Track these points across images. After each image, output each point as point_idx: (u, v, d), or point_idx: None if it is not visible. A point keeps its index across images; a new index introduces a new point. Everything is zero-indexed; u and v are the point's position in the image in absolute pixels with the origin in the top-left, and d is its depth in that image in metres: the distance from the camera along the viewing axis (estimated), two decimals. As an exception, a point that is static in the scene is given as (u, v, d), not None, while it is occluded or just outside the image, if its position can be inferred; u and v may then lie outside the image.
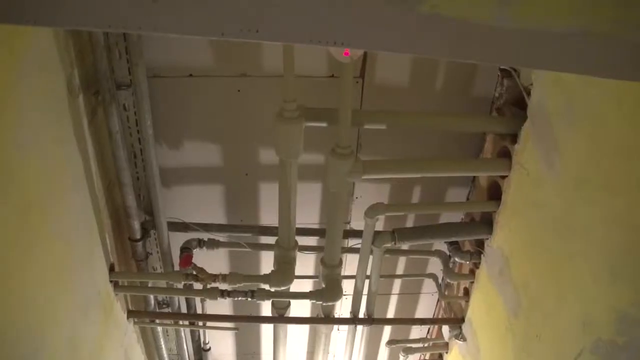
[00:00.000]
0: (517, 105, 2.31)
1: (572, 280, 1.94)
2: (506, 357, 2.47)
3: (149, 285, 2.70)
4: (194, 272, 2.42)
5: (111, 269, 2.42)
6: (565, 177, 1.93)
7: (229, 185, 2.78)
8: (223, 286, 2.47)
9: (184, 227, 2.69)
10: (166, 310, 3.03)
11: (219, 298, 2.47)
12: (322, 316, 2.78)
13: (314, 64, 2.36)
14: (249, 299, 2.46)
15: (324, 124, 2.08)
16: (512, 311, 2.39)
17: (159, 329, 3.00)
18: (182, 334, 3.15)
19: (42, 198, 1.74)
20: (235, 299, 2.48)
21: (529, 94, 2.11)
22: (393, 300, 3.46)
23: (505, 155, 2.32)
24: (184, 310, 3.07)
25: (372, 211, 2.35)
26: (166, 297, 2.98)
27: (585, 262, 1.86)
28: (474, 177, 2.79)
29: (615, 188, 1.68)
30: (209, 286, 2.48)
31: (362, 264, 2.64)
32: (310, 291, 2.57)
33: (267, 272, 2.47)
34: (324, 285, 2.53)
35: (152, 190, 2.46)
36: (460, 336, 2.98)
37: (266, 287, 2.47)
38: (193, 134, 2.57)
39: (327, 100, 2.06)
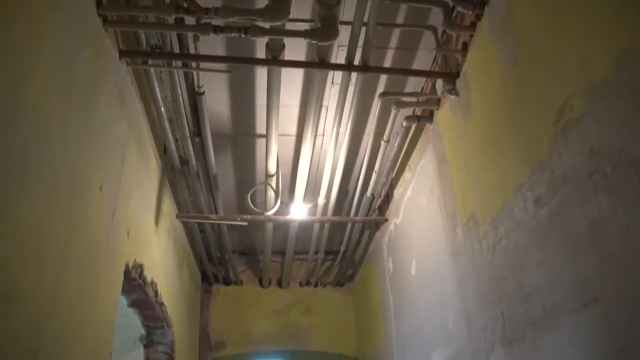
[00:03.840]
0: None
1: (574, 23, 1.92)
2: (497, 110, 2.51)
3: (140, 21, 2.60)
4: (185, 5, 2.31)
5: (99, 2, 2.30)
6: None
7: None
8: (216, 22, 2.39)
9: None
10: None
11: (211, 34, 2.40)
12: (317, 61, 2.75)
13: None
14: (243, 36, 2.39)
15: None
16: (509, 62, 2.38)
17: (152, 72, 2.96)
18: (176, 77, 3.11)
19: None
20: (229, 35, 2.40)
21: None
22: (389, 55, 3.39)
23: None
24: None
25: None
26: (158, 39, 2.90)
27: (591, 2, 1.81)
28: None
29: None
30: (202, 22, 2.39)
31: (359, 6, 2.52)
32: (305, 30, 2.50)
33: (262, 7, 2.37)
34: (319, 26, 2.45)
35: None
36: (453, 91, 2.99)
37: (261, 23, 2.39)
38: None
39: None
